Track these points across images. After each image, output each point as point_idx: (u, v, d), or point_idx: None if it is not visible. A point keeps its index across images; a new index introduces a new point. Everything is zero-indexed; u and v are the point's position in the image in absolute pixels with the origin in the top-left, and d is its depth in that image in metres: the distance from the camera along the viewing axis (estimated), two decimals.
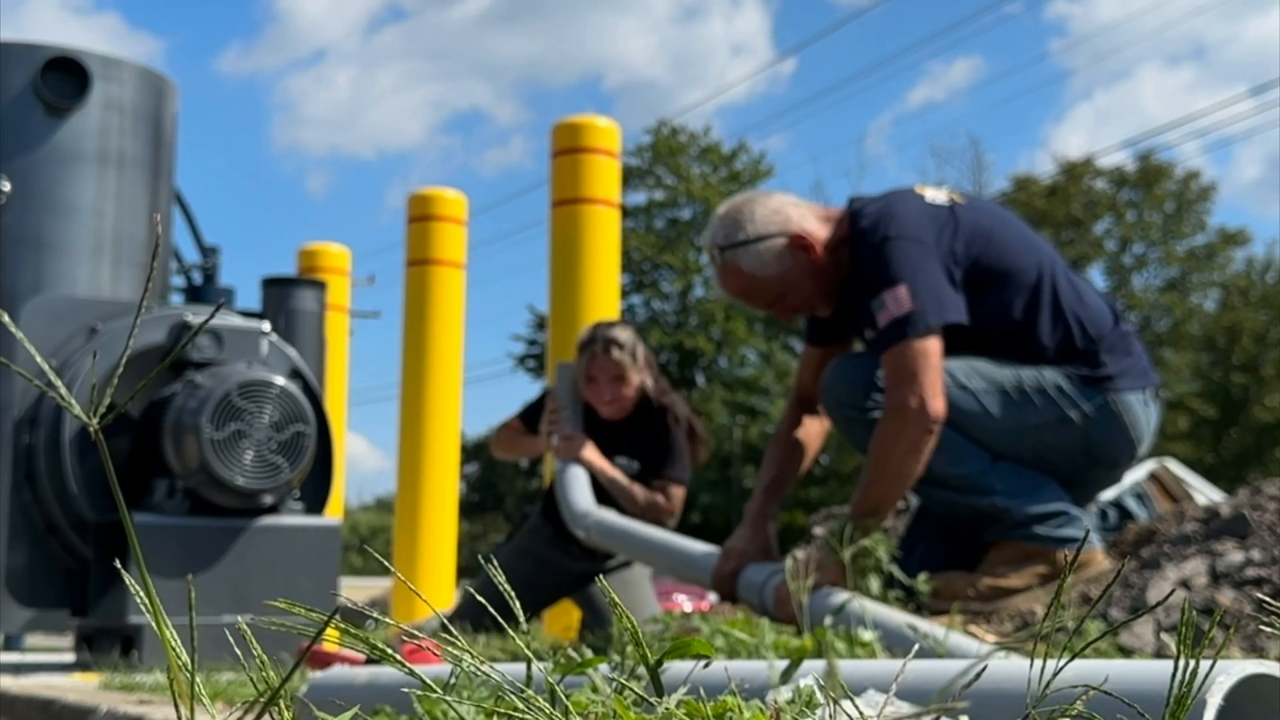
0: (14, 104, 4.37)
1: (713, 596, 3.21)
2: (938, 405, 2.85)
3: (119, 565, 0.92)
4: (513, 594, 1.03)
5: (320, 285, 4.78)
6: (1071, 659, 0.97)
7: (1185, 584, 2.67)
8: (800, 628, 2.55)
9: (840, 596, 2.65)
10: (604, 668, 1.44)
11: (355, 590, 21.14)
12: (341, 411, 8.06)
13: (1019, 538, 2.96)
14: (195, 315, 4.18)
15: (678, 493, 4.10)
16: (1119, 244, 33.39)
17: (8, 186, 4.32)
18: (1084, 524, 2.99)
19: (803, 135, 59.52)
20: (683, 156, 35.60)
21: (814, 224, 3.12)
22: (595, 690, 1.24)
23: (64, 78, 4.42)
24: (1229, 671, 1.10)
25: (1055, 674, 0.94)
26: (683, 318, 35.40)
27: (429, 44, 71.42)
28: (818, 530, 4.26)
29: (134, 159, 4.55)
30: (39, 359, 0.76)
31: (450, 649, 0.96)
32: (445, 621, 1.01)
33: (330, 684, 1.99)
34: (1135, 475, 3.41)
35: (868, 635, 2.27)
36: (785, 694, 1.19)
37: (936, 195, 3.11)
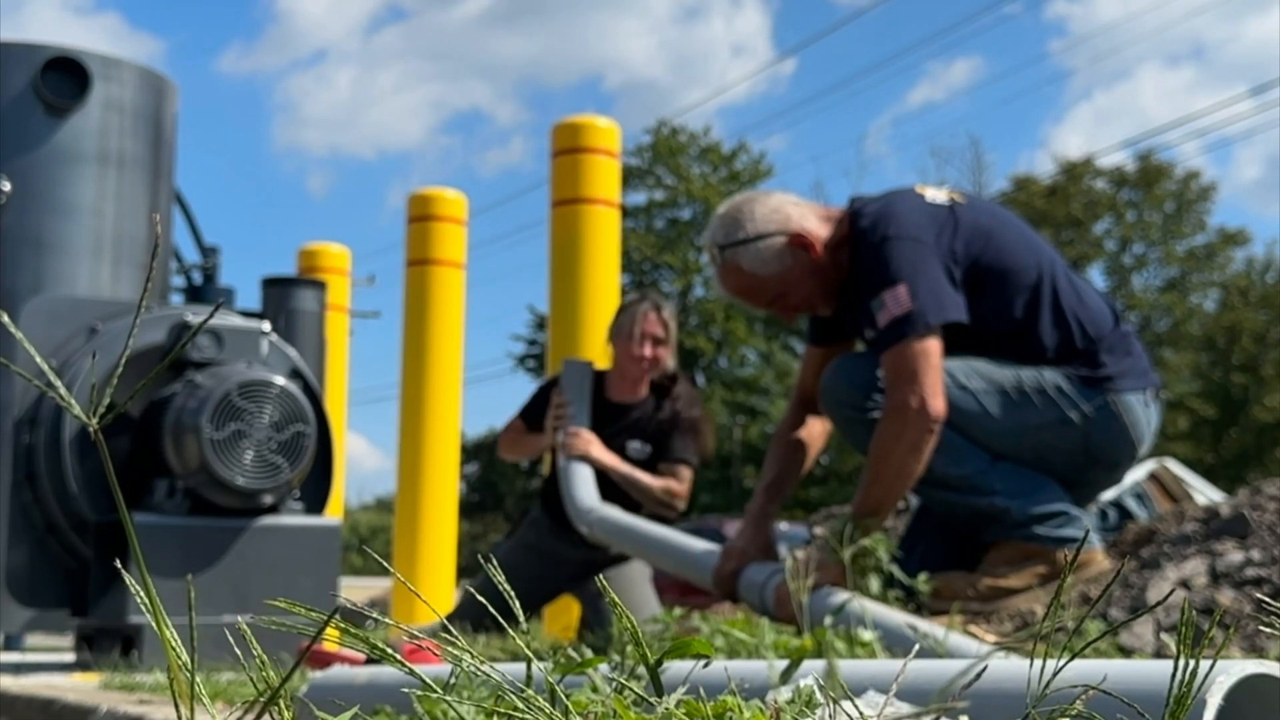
0: (14, 104, 4.37)
1: None
2: (938, 405, 2.85)
3: (119, 565, 0.92)
4: (513, 594, 1.03)
5: (320, 285, 4.78)
6: (1071, 659, 0.97)
7: (1185, 584, 2.67)
8: (800, 628, 2.55)
9: (840, 596, 2.65)
10: (604, 668, 1.44)
11: (355, 590, 21.14)
12: (341, 411, 8.06)
13: (1019, 538, 2.96)
14: (195, 315, 4.18)
15: (688, 475, 4.18)
16: (1119, 244, 33.39)
17: (8, 186, 4.32)
18: (1084, 524, 2.99)
19: (803, 135, 59.53)
20: (683, 156, 35.60)
21: (814, 223, 3.12)
22: (595, 690, 1.24)
23: (64, 78, 4.42)
24: (1229, 671, 1.10)
25: (1055, 674, 0.94)
26: (683, 318, 35.39)
27: (429, 44, 71.43)
28: (818, 530, 4.26)
29: (134, 159, 4.55)
30: (39, 359, 0.76)
31: (450, 649, 0.96)
32: (445, 622, 1.01)
33: (330, 684, 1.99)
34: (1135, 475, 3.41)
35: (868, 635, 2.27)
36: (785, 694, 1.19)
37: (937, 195, 3.11)
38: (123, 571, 0.86)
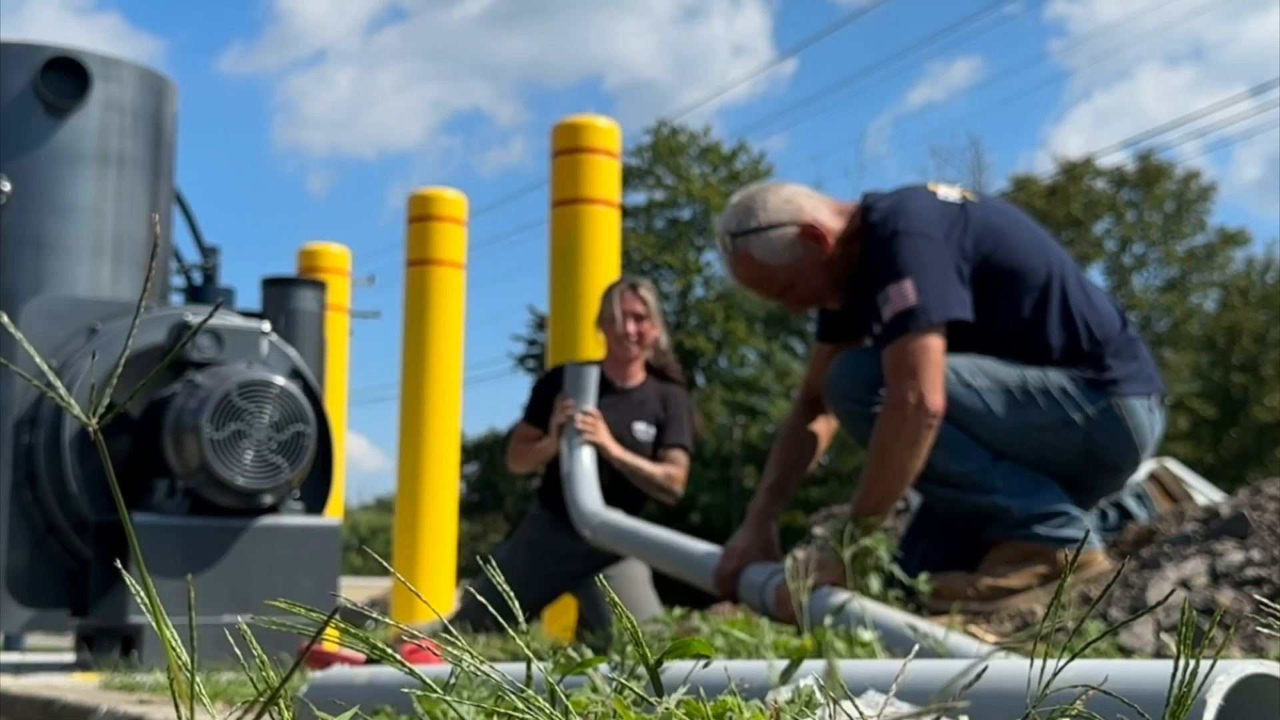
0: (14, 104, 4.37)
1: None
2: (937, 401, 2.85)
3: (119, 565, 0.92)
4: (512, 595, 1.03)
5: (320, 285, 4.78)
6: (1071, 659, 0.97)
7: (1185, 584, 2.67)
8: (800, 628, 2.55)
9: (840, 596, 2.65)
10: (604, 668, 1.45)
11: (355, 590, 21.14)
12: (341, 411, 8.06)
13: (1019, 537, 2.95)
14: (195, 315, 4.18)
15: (685, 460, 4.33)
16: (1119, 244, 33.38)
17: (8, 186, 4.32)
18: (1084, 524, 2.99)
19: (803, 135, 59.53)
20: (683, 156, 35.58)
21: (827, 215, 3.12)
22: (595, 690, 1.24)
23: (64, 78, 4.42)
24: (1229, 671, 1.10)
25: (1055, 674, 0.94)
26: (683, 318, 35.38)
27: (429, 44, 71.43)
28: (818, 530, 4.26)
29: (134, 159, 4.55)
30: (38, 359, 0.76)
31: (450, 649, 0.96)
32: (445, 622, 1.01)
33: (330, 684, 1.99)
34: (1135, 475, 3.41)
35: (868, 635, 2.27)
36: (785, 694, 1.19)
37: (949, 193, 3.12)
38: (123, 571, 0.86)
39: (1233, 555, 2.70)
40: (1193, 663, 0.93)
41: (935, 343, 2.88)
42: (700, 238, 35.85)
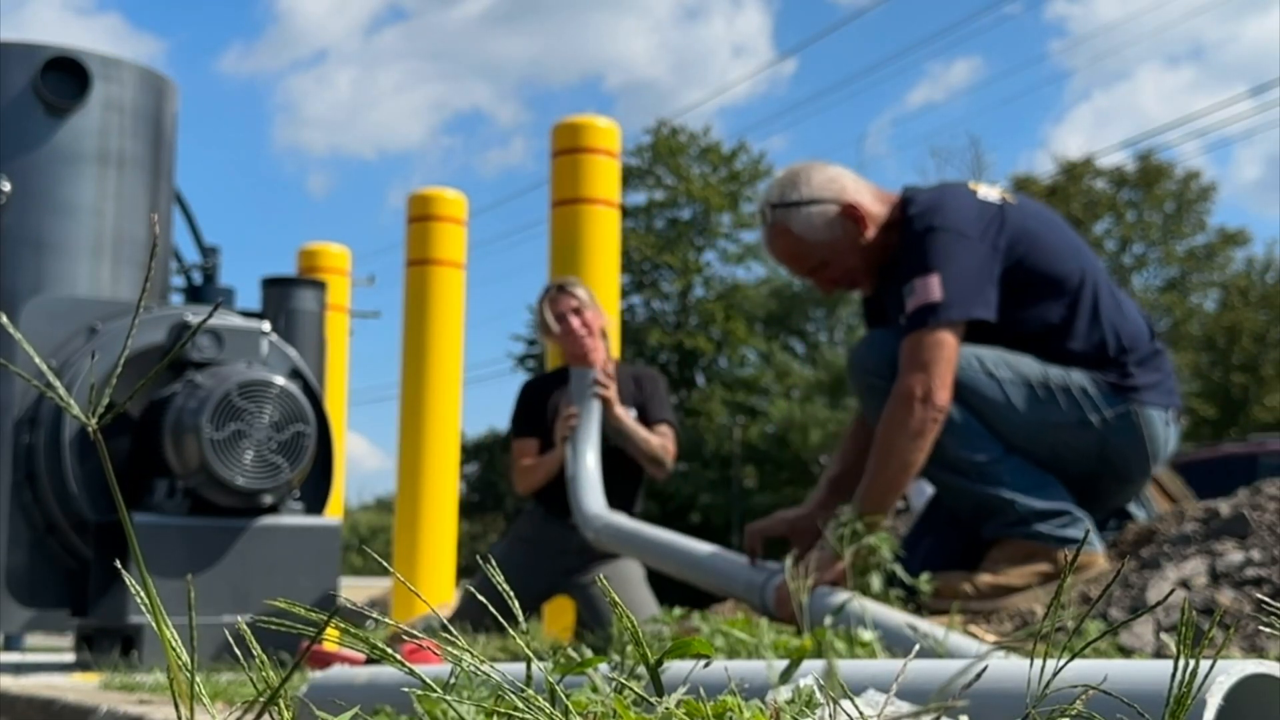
0: (14, 104, 4.37)
1: None
2: (944, 396, 2.86)
3: (119, 565, 0.92)
4: (511, 594, 1.03)
5: (320, 285, 4.78)
6: (1071, 659, 0.97)
7: (1185, 584, 2.67)
8: (800, 628, 2.55)
9: (840, 596, 2.65)
10: (604, 667, 1.44)
11: (355, 590, 21.13)
12: (341, 411, 8.06)
13: (1020, 535, 2.96)
14: (195, 315, 4.18)
15: (672, 434, 4.42)
16: (1119, 244, 33.37)
17: (8, 186, 4.32)
18: (1085, 525, 2.99)
19: (803, 135, 59.52)
20: (683, 156, 35.57)
21: (868, 199, 3.14)
22: (595, 690, 1.24)
23: (64, 78, 4.42)
24: (1229, 671, 1.09)
25: (1055, 674, 0.94)
26: (683, 318, 35.36)
27: (430, 44, 71.44)
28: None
29: (134, 159, 4.55)
30: (38, 360, 0.76)
31: (450, 649, 0.96)
32: (445, 621, 1.01)
33: (330, 684, 1.99)
34: (1142, 488, 3.41)
35: (868, 635, 2.27)
36: (785, 694, 1.19)
37: (989, 193, 3.15)
38: (123, 571, 0.86)
39: (1233, 555, 2.70)
40: (1193, 663, 0.93)
41: (951, 339, 2.90)
42: (700, 238, 35.84)
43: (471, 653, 0.95)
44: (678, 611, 2.85)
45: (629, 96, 63.43)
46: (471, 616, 4.01)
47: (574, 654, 1.61)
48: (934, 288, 2.91)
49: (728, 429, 32.65)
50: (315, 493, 4.22)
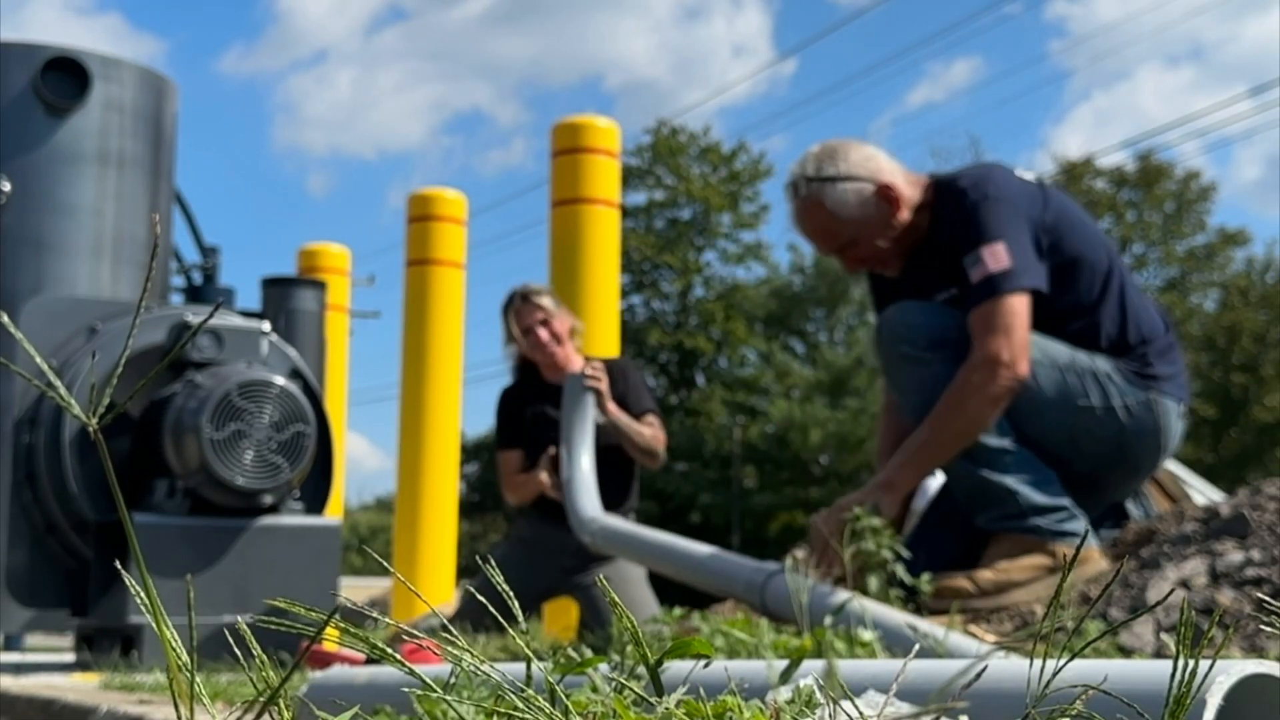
0: (14, 104, 4.37)
1: None
2: (1024, 366, 2.88)
3: (119, 565, 0.92)
4: (511, 593, 1.03)
5: (320, 285, 4.78)
6: (1071, 659, 0.97)
7: (1185, 584, 2.66)
8: (800, 627, 2.55)
9: (840, 596, 2.65)
10: (604, 667, 1.44)
11: (355, 590, 21.13)
12: (341, 411, 8.06)
13: (1018, 529, 2.95)
14: (195, 315, 4.18)
15: (659, 421, 4.44)
16: (1119, 244, 33.36)
17: (8, 186, 4.32)
18: (1083, 521, 2.99)
19: (803, 135, 59.47)
20: (682, 156, 35.56)
21: (902, 181, 3.14)
22: (595, 690, 1.24)
23: (64, 78, 4.42)
24: (1229, 671, 1.09)
25: (1055, 674, 0.94)
26: (683, 318, 35.35)
27: (430, 44, 71.43)
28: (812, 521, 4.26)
29: (134, 159, 4.55)
30: (38, 359, 0.76)
31: (450, 649, 0.96)
32: (445, 621, 1.01)
33: (330, 684, 1.98)
34: (1143, 482, 3.41)
35: (868, 635, 2.27)
36: (785, 694, 1.19)
37: (1025, 173, 3.17)
38: (122, 571, 0.86)
39: (1233, 555, 2.70)
40: (1192, 663, 0.93)
41: (1024, 307, 2.91)
42: (700, 238, 35.83)
43: (471, 653, 0.95)
44: (678, 611, 2.85)
45: (629, 96, 63.43)
46: (471, 617, 4.01)
47: (574, 654, 1.61)
48: (1002, 255, 2.90)
49: (728, 429, 32.65)
50: (315, 493, 4.22)
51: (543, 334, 4.33)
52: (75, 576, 4.08)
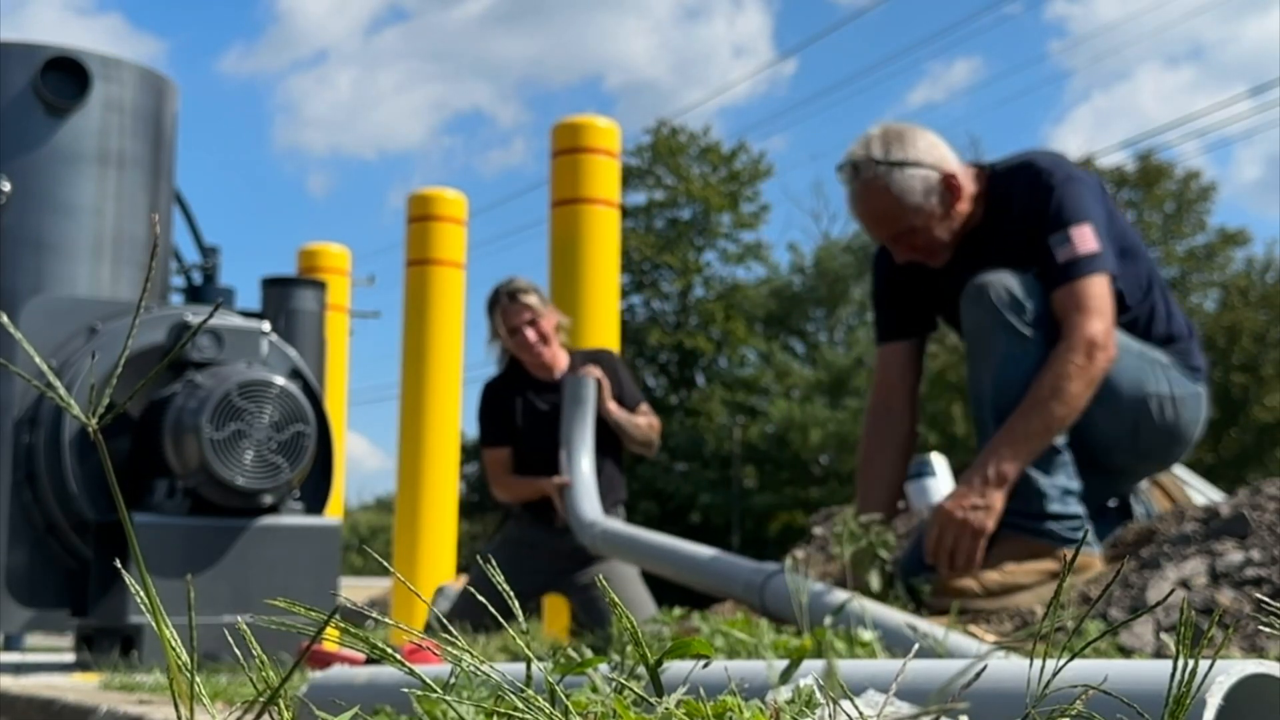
0: (14, 104, 4.37)
1: None
2: (1115, 348, 2.89)
3: (119, 565, 0.92)
4: (511, 593, 1.03)
5: (320, 285, 4.78)
6: (1071, 659, 0.97)
7: (1185, 584, 2.66)
8: (800, 627, 2.55)
9: (840, 596, 2.65)
10: (604, 667, 1.44)
11: (355, 590, 21.13)
12: (341, 411, 8.06)
13: (1032, 531, 2.94)
14: (195, 315, 4.18)
15: (649, 409, 4.43)
16: None
17: (8, 186, 4.32)
18: (1088, 528, 2.99)
19: (803, 135, 59.51)
20: (682, 156, 35.56)
21: (962, 174, 3.13)
22: (595, 690, 1.24)
23: (64, 78, 4.42)
24: (1228, 671, 1.09)
25: (1055, 674, 0.94)
26: (683, 318, 35.35)
27: (430, 45, 71.43)
28: (818, 530, 4.26)
29: (134, 159, 4.55)
30: (38, 360, 0.76)
31: (450, 649, 0.96)
32: (444, 620, 1.01)
33: (330, 684, 1.98)
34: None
35: (868, 635, 2.27)
36: (785, 694, 1.19)
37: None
38: (123, 571, 0.86)
39: (1233, 555, 2.70)
40: (1192, 663, 0.93)
41: (1110, 290, 2.92)
42: (700, 238, 35.83)
43: (471, 653, 0.95)
44: (678, 611, 2.84)
45: (629, 97, 63.43)
46: (470, 616, 4.01)
47: (574, 654, 1.61)
48: (1090, 237, 2.91)
49: (728, 429, 32.65)
50: (315, 493, 4.22)
51: (530, 334, 4.31)
52: (75, 576, 4.08)
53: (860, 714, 1.01)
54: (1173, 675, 0.93)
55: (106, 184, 4.47)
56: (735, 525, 30.42)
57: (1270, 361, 30.19)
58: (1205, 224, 33.12)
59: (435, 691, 0.98)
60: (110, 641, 3.84)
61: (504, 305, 4.33)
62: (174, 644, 0.84)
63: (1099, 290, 2.89)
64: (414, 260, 7.21)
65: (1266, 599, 1.26)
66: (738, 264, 36.24)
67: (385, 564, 0.94)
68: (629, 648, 1.61)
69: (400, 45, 73.00)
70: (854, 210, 3.19)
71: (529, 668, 1.02)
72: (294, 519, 4.06)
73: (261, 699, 0.82)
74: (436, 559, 7.02)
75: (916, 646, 1.18)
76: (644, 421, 4.34)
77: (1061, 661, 0.96)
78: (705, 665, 1.38)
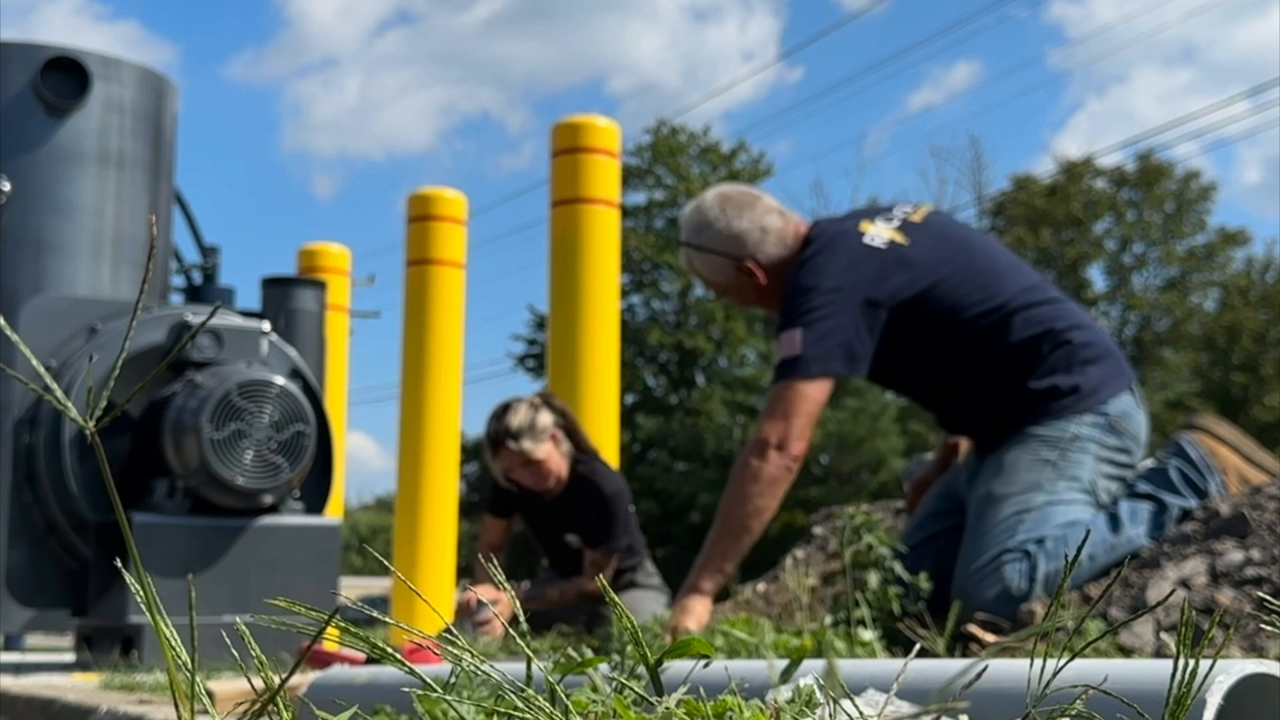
0: (14, 104, 4.37)
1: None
2: (799, 447, 2.94)
3: (119, 565, 0.92)
4: (513, 593, 1.03)
5: (320, 285, 4.78)
6: (1071, 659, 0.97)
7: (1185, 584, 2.66)
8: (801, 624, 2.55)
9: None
10: (604, 667, 1.44)
11: (355, 590, 21.13)
12: (341, 411, 8.06)
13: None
14: (195, 315, 4.18)
15: (613, 563, 4.33)
16: (1119, 244, 33.36)
17: (8, 186, 4.31)
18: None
19: (803, 136, 59.50)
20: (682, 156, 35.56)
21: (772, 246, 3.19)
22: (595, 690, 1.24)
23: (64, 78, 4.42)
24: (1229, 671, 1.09)
25: (1055, 674, 0.94)
26: (682, 317, 35.35)
27: (437, 49, 71.36)
28: (817, 530, 4.26)
29: (134, 159, 4.55)
30: (35, 362, 0.76)
31: (450, 648, 0.96)
32: (446, 622, 1.01)
33: (330, 684, 1.98)
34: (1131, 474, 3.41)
35: (868, 635, 2.27)
36: (785, 693, 1.19)
37: (879, 233, 3.10)
38: (123, 571, 0.86)
39: (1233, 555, 2.70)
40: (1192, 662, 0.93)
41: (812, 392, 2.96)
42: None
43: (472, 652, 0.95)
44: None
45: (637, 101, 63.37)
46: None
47: (574, 654, 1.61)
48: (796, 342, 2.98)
49: (728, 429, 32.65)
50: (315, 493, 4.22)
51: (524, 476, 4.32)
52: (75, 576, 4.08)
53: (860, 713, 1.00)
54: (1173, 675, 0.93)
55: (106, 184, 4.47)
56: None
57: (1270, 361, 30.19)
58: (1205, 224, 33.12)
59: (435, 691, 0.98)
60: (110, 641, 3.84)
61: (498, 451, 4.29)
62: (174, 644, 0.84)
63: (792, 393, 2.95)
64: (414, 260, 7.21)
65: (1266, 599, 1.26)
66: None
67: (386, 563, 0.94)
68: (629, 647, 1.61)
69: (407, 49, 72.97)
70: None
71: (529, 667, 1.02)
72: (294, 519, 4.06)
73: (261, 699, 0.82)
74: (436, 559, 7.02)
75: (917, 646, 1.18)
76: (590, 587, 4.25)
77: (1061, 661, 0.96)
78: (705, 665, 1.38)
